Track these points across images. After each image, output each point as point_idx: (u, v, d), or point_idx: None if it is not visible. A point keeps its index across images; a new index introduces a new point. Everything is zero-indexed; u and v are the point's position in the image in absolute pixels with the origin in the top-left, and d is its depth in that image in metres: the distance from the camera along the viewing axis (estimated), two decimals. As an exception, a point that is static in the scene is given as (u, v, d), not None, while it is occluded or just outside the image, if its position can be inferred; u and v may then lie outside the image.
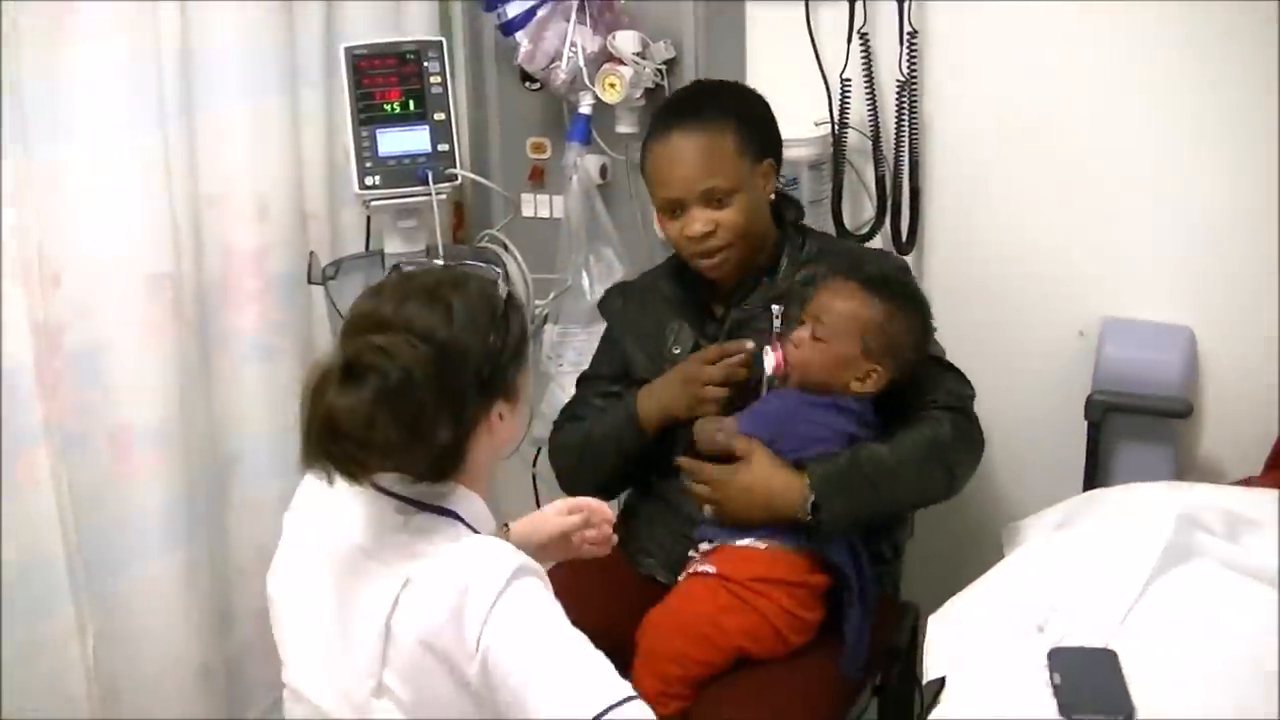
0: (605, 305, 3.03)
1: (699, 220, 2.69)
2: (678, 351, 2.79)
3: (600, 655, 2.02)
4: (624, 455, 2.82)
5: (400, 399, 1.97)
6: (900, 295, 2.64)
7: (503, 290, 2.16)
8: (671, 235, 2.75)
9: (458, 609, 1.99)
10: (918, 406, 2.67)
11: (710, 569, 2.62)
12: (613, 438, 2.83)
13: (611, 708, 1.94)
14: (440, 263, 2.20)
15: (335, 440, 1.97)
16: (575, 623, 2.23)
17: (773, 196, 2.77)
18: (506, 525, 2.51)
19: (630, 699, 1.96)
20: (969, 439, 2.69)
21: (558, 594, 2.42)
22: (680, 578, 2.69)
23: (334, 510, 2.16)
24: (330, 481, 2.02)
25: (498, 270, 2.21)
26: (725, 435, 2.60)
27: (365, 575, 2.10)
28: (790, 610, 2.59)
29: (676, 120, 2.72)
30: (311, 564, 2.20)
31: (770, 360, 2.64)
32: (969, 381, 2.74)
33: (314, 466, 2.01)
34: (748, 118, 2.74)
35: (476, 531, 2.15)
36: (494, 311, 2.11)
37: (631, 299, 2.95)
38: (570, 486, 2.94)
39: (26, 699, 2.77)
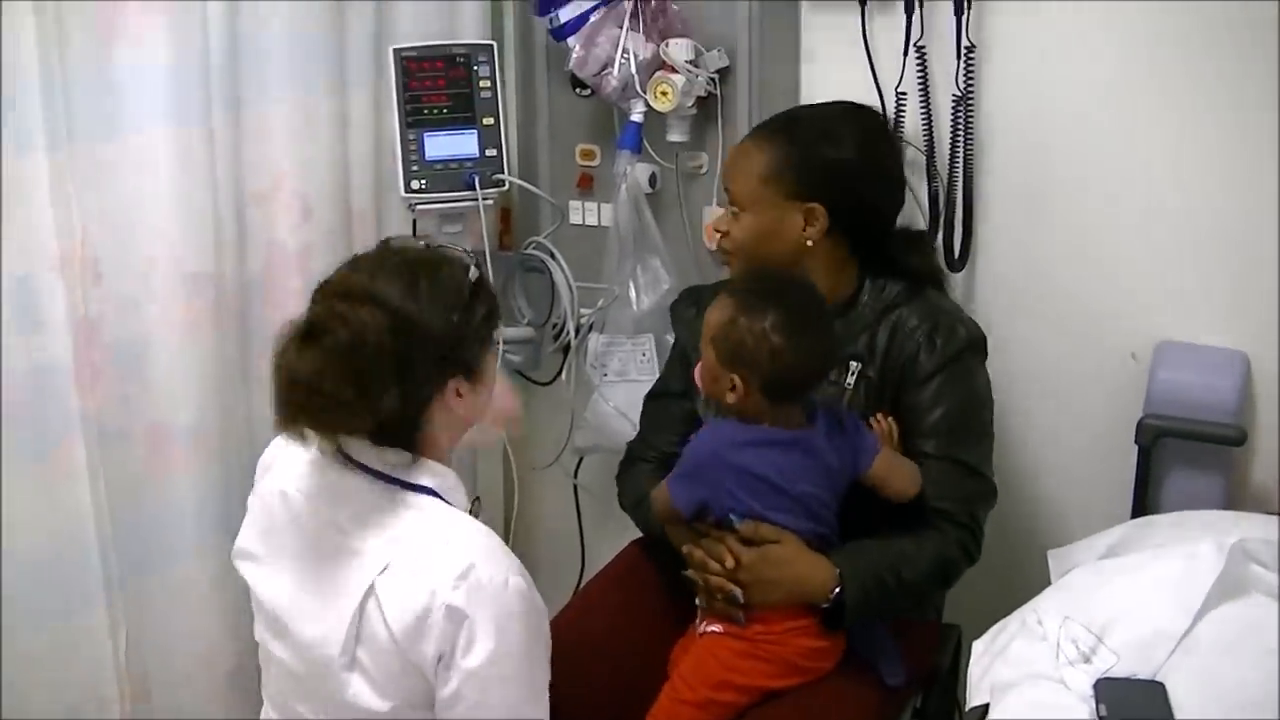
0: (676, 313, 2.98)
1: (721, 216, 2.75)
2: None
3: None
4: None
5: (348, 358, 2.09)
6: (755, 296, 2.52)
7: (473, 274, 2.25)
8: None
9: (425, 613, 2.11)
10: (932, 508, 2.62)
11: (717, 629, 2.58)
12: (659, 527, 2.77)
13: None
14: (423, 242, 2.36)
15: (291, 392, 2.11)
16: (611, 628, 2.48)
17: (810, 243, 2.66)
18: (478, 499, 2.56)
19: None
20: (970, 558, 2.66)
21: (601, 602, 2.63)
22: (696, 624, 2.65)
23: (304, 485, 2.27)
24: (304, 440, 2.18)
25: (471, 255, 2.35)
26: (750, 528, 2.53)
27: (341, 553, 2.20)
28: (804, 645, 2.55)
29: (758, 126, 2.80)
30: (282, 542, 2.29)
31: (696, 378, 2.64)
32: (991, 487, 2.71)
33: (285, 426, 2.15)
34: (816, 160, 2.65)
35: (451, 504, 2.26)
36: (460, 292, 2.21)
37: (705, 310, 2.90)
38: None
39: (58, 695, 2.78)
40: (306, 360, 2.10)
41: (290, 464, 2.32)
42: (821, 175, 2.67)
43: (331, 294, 2.17)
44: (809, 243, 2.67)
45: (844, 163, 2.69)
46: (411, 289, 2.16)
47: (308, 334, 2.12)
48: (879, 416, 2.64)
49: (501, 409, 2.49)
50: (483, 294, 2.26)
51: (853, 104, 2.84)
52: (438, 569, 2.12)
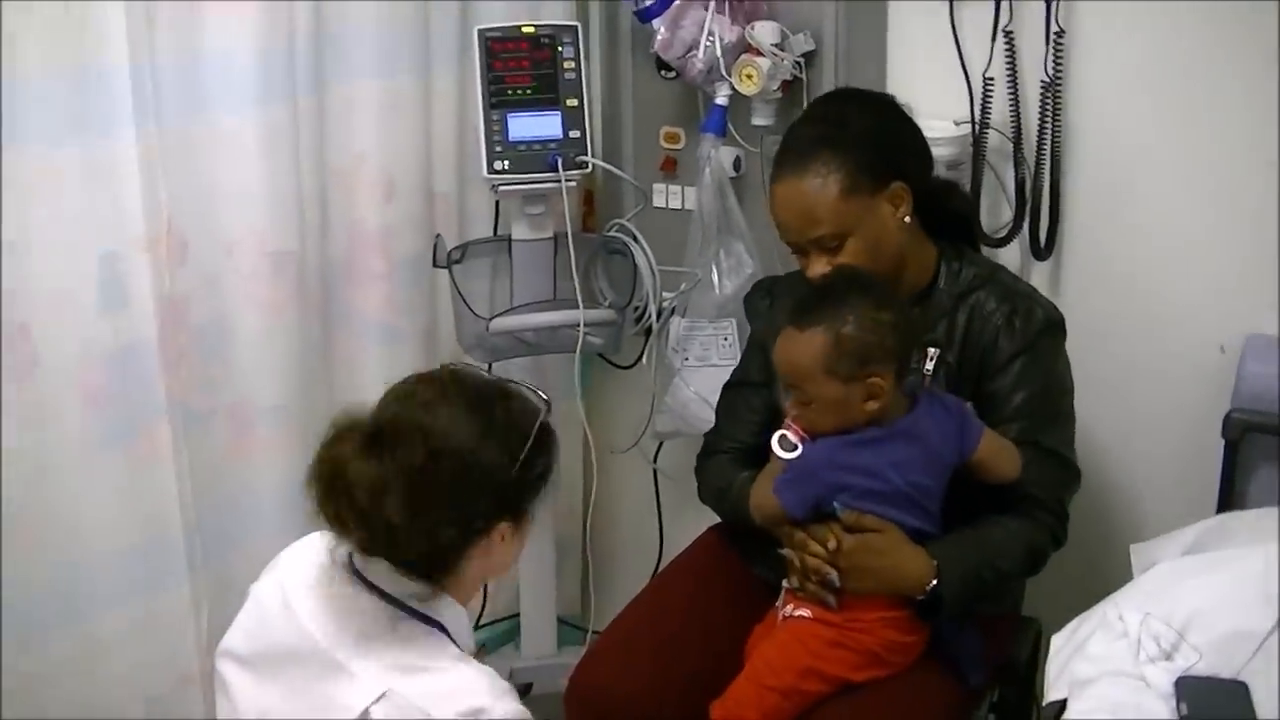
0: (751, 305, 2.96)
1: (817, 264, 2.61)
2: None
3: None
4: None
5: (417, 481, 1.97)
6: (833, 306, 2.46)
7: (544, 417, 2.14)
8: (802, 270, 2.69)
9: None
10: (1019, 494, 2.59)
11: (805, 614, 2.55)
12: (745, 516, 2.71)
13: None
14: (492, 377, 2.25)
15: (341, 496, 1.97)
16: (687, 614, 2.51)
17: (906, 219, 2.63)
18: (484, 646, 2.45)
19: None
20: (1057, 544, 2.66)
21: (678, 588, 2.65)
22: (779, 608, 2.63)
23: (308, 591, 2.11)
24: (345, 534, 2.01)
25: (545, 398, 2.19)
26: (854, 516, 2.49)
27: (336, 671, 2.05)
28: (891, 638, 2.53)
29: (784, 164, 2.63)
30: (273, 645, 2.14)
31: (792, 438, 2.51)
32: (1076, 471, 2.69)
33: (328, 519, 2.01)
34: (866, 144, 2.61)
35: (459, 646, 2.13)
36: (528, 437, 2.09)
37: (782, 304, 2.85)
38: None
39: (141, 674, 2.81)
40: (370, 467, 1.97)
41: (295, 565, 2.18)
42: (882, 153, 2.63)
43: (406, 403, 2.06)
44: (906, 219, 2.63)
45: (887, 129, 2.68)
46: (483, 424, 2.06)
47: (375, 438, 1.99)
48: (959, 399, 2.61)
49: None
50: (549, 441, 2.16)
51: (834, 91, 2.93)
52: (442, 708, 2.00)
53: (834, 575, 2.49)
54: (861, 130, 2.64)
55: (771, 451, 2.55)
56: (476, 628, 3.49)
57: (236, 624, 2.21)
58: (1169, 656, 2.22)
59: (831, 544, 2.49)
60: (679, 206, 3.39)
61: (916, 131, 2.74)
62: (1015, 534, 2.60)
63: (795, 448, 2.51)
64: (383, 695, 2.01)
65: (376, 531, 1.99)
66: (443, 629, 2.11)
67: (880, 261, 2.60)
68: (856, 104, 2.74)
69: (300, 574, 2.14)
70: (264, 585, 2.20)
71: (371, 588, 2.08)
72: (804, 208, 2.59)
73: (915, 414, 2.51)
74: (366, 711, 2.01)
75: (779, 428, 2.56)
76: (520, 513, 2.13)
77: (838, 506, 2.50)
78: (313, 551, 2.14)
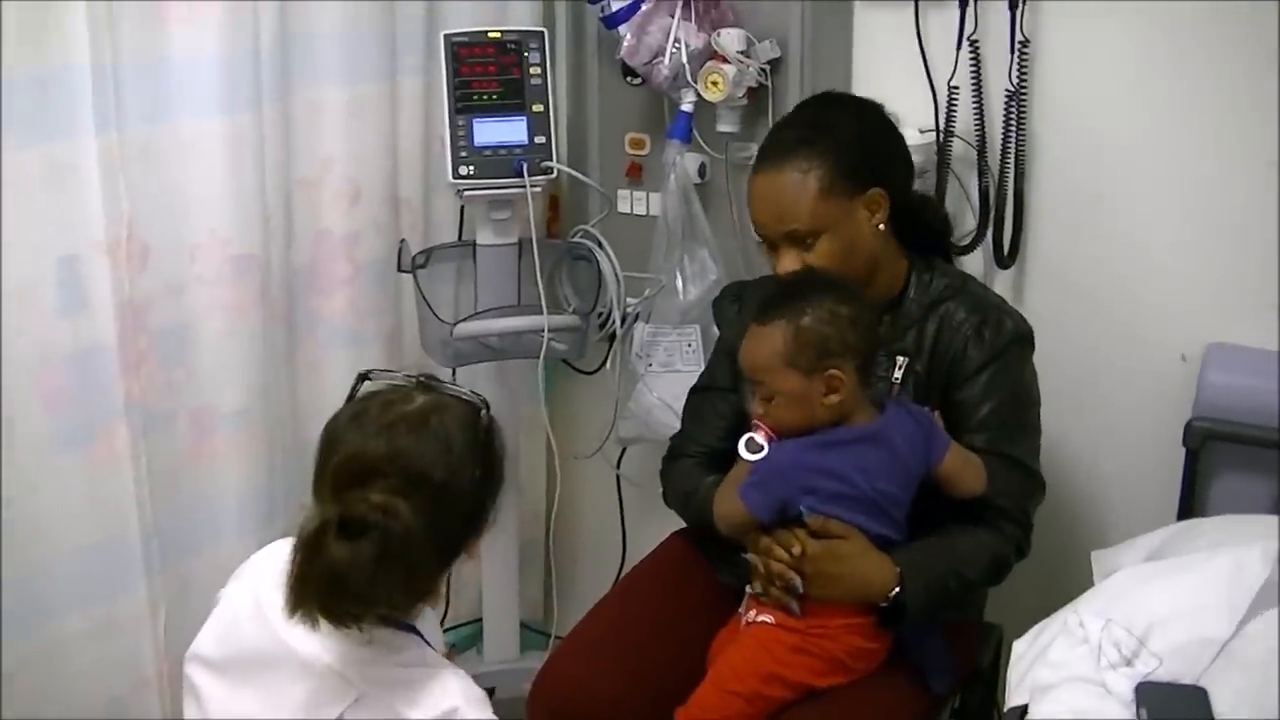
0: (719, 309, 2.95)
1: (787, 259, 2.62)
2: None
3: None
4: None
5: (402, 555, 1.97)
6: (795, 301, 2.49)
7: (484, 419, 2.14)
8: (771, 266, 2.70)
9: None
10: (985, 504, 2.60)
11: (769, 619, 2.55)
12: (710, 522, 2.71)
13: None
14: (413, 378, 2.17)
15: (338, 596, 1.97)
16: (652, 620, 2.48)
17: (881, 227, 2.64)
18: (454, 646, 2.57)
19: None
20: (1021, 554, 2.66)
21: (642, 593, 2.65)
22: (742, 613, 2.62)
23: (279, 595, 2.05)
24: (315, 626, 2.01)
25: (480, 395, 2.17)
26: (819, 521, 2.49)
27: (308, 675, 2.06)
28: (855, 644, 2.53)
29: (765, 159, 2.65)
30: (244, 650, 2.14)
31: (760, 438, 2.52)
32: (1040, 482, 2.70)
33: (301, 612, 1.99)
34: (849, 147, 2.61)
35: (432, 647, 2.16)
36: (476, 443, 2.10)
37: (749, 308, 2.86)
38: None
39: (99, 677, 2.79)
40: (354, 562, 1.95)
41: (265, 571, 2.15)
42: (864, 158, 2.63)
43: (356, 474, 2.01)
44: (880, 227, 2.64)
45: (872, 136, 2.69)
46: (436, 450, 2.05)
47: (346, 528, 1.96)
48: (927, 411, 2.62)
49: None
50: (496, 439, 2.16)
51: (821, 94, 2.87)
52: (417, 710, 2.02)
53: (798, 581, 2.49)
54: (846, 134, 2.64)
55: (737, 456, 2.55)
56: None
57: (206, 629, 2.20)
58: (1129, 662, 2.23)
59: (796, 549, 2.49)
60: (644, 213, 3.39)
61: (900, 141, 2.74)
62: (980, 543, 2.60)
63: (761, 449, 2.51)
64: (358, 699, 2.03)
65: (382, 607, 2.02)
66: (415, 631, 2.12)
67: (852, 265, 2.61)
68: (841, 108, 2.75)
69: (271, 579, 2.11)
70: (233, 590, 2.20)
71: None
72: (781, 201, 2.60)
73: (882, 420, 2.52)
74: (342, 715, 2.03)
75: (745, 433, 2.56)
76: (485, 523, 2.15)
77: (804, 511, 2.50)
78: (282, 557, 2.10)
